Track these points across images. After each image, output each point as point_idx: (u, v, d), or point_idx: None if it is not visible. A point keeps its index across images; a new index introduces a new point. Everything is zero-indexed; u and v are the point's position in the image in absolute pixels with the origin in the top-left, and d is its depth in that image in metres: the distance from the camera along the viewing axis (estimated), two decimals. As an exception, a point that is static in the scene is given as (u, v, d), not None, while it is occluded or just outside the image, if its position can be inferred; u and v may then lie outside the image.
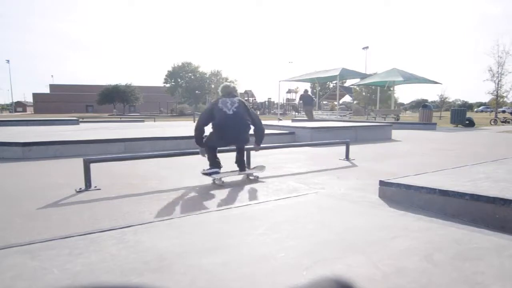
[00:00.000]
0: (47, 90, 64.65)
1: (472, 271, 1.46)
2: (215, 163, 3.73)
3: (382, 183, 3.10)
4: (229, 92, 3.87)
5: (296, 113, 33.03)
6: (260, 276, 1.43)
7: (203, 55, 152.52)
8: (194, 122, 20.31)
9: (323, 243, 1.78)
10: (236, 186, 3.52)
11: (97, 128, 10.24)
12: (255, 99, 51.28)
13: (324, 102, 38.42)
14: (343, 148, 5.45)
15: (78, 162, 3.87)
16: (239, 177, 3.97)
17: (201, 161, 5.01)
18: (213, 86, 49.86)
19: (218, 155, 3.83)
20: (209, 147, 3.80)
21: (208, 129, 3.75)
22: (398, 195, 2.94)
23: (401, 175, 3.33)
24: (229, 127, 3.62)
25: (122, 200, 2.98)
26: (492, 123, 18.96)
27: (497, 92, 24.52)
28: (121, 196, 3.08)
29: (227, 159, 5.09)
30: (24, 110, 74.25)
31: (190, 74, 54.19)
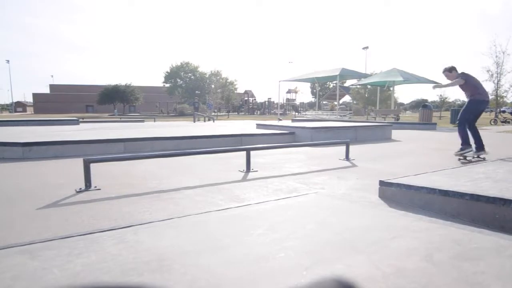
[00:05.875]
0: (47, 90, 64.68)
1: (472, 271, 1.46)
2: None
3: (382, 183, 3.10)
4: None
5: (296, 113, 33.06)
6: (260, 276, 1.43)
7: (203, 55, 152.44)
8: (194, 122, 20.22)
9: (323, 243, 1.78)
10: (236, 187, 3.52)
11: (97, 128, 10.24)
12: (255, 99, 51.34)
13: (324, 102, 38.45)
14: (343, 148, 5.45)
15: (78, 162, 3.87)
16: (240, 177, 3.96)
17: (201, 161, 5.01)
18: (213, 86, 49.86)
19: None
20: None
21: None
22: (398, 195, 2.94)
23: (401, 175, 3.34)
24: None
25: (122, 200, 2.98)
26: (492, 123, 18.97)
27: (496, 92, 24.51)
28: (121, 196, 3.08)
29: (228, 159, 5.09)
30: (24, 110, 74.25)
31: (189, 74, 54.23)
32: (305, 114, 29.76)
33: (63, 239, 1.84)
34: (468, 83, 5.27)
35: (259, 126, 10.15)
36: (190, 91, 49.94)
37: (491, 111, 27.23)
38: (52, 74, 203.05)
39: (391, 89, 23.95)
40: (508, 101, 30.04)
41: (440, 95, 36.87)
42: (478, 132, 5.30)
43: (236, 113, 44.25)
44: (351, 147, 5.50)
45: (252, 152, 4.46)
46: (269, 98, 47.19)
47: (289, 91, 47.71)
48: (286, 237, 1.86)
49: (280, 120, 19.80)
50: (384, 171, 4.33)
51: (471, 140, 5.29)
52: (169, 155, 4.71)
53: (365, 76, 24.34)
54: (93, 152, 5.74)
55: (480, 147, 5.25)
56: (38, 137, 6.51)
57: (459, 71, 5.39)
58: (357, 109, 34.12)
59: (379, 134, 8.95)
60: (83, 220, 2.44)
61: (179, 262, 1.56)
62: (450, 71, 5.45)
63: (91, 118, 23.76)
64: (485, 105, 5.37)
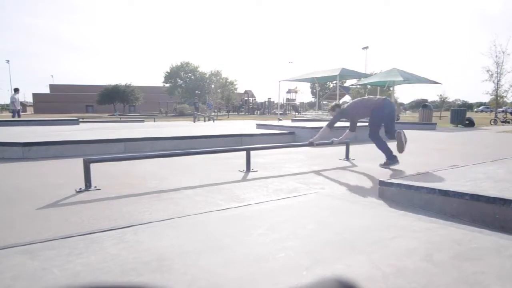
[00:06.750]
0: (47, 90, 64.73)
1: (472, 271, 1.46)
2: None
3: (382, 183, 3.10)
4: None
5: (296, 113, 33.06)
6: (260, 276, 1.43)
7: (203, 55, 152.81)
8: (194, 122, 20.22)
9: (323, 243, 1.78)
10: (236, 187, 3.52)
11: (97, 128, 10.24)
12: (255, 99, 51.30)
13: (324, 102, 38.46)
14: (343, 148, 5.45)
15: (78, 162, 3.87)
16: (240, 177, 3.96)
17: (201, 161, 5.01)
18: (213, 86, 49.83)
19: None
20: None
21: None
22: (398, 195, 2.94)
23: (401, 175, 3.33)
24: None
25: (122, 200, 2.98)
26: (492, 123, 18.97)
27: (496, 92, 24.51)
28: (121, 196, 3.08)
29: (228, 159, 5.09)
30: (24, 110, 73.95)
31: (189, 74, 54.24)
32: (305, 114, 29.72)
33: (63, 239, 1.84)
34: (358, 109, 4.77)
35: (259, 126, 10.14)
36: (190, 91, 49.90)
37: (491, 111, 27.23)
38: (52, 74, 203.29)
39: (391, 89, 23.93)
40: (508, 101, 30.02)
41: (440, 95, 36.81)
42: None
43: (236, 113, 44.21)
44: (351, 147, 5.50)
45: (252, 152, 4.46)
46: (269, 98, 47.13)
47: (289, 91, 47.64)
48: (286, 237, 1.86)
49: (280, 120, 19.79)
50: (384, 171, 4.33)
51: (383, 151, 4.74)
52: (169, 155, 4.71)
53: (365, 76, 24.31)
54: (93, 152, 5.74)
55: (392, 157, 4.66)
56: (38, 137, 6.51)
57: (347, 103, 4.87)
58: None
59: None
60: (83, 220, 2.44)
61: (179, 262, 1.56)
62: (333, 110, 4.98)
63: (91, 118, 23.76)
64: (390, 106, 4.70)
